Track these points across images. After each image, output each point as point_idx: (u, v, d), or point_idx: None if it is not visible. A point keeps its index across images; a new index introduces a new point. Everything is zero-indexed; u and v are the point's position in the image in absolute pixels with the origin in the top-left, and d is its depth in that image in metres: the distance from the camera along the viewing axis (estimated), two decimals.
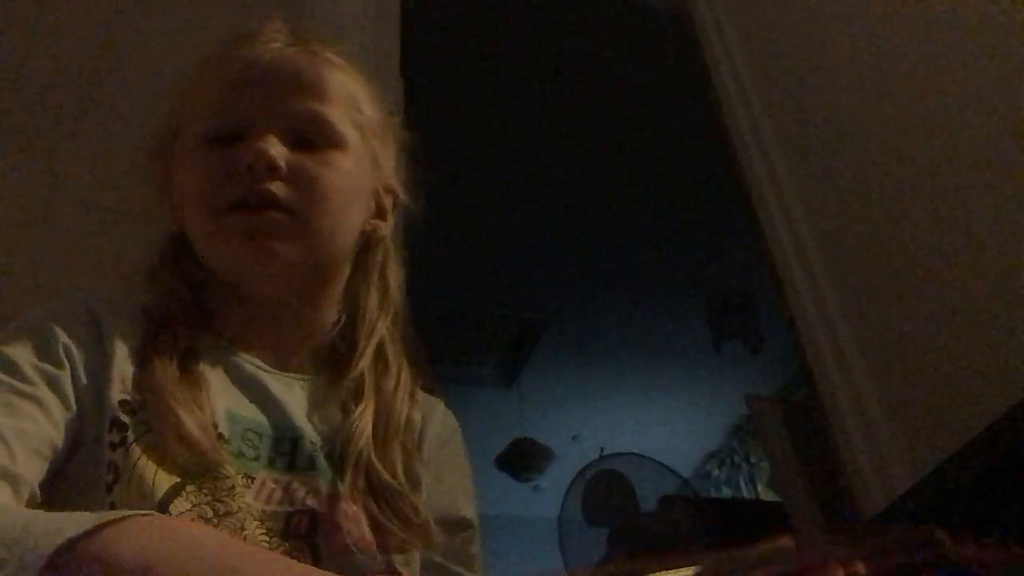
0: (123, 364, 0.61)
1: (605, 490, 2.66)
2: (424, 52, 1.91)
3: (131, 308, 0.67)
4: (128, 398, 0.59)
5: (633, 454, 2.77)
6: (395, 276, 0.78)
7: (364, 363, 0.70)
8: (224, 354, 0.67)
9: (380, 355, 0.73)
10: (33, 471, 0.52)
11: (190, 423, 0.57)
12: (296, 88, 0.70)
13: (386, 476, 0.64)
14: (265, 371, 0.68)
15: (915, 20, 1.53)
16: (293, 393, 0.68)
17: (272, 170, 0.66)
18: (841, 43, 1.73)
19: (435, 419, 0.76)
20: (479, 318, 4.09)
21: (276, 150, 0.66)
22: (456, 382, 4.30)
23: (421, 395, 0.76)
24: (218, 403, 0.63)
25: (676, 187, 3.34)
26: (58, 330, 0.60)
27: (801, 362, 1.67)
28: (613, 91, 3.03)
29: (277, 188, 0.66)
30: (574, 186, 3.41)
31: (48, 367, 0.57)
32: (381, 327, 0.74)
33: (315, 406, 0.68)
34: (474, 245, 3.62)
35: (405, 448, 0.68)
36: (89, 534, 0.39)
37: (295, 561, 0.46)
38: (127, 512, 0.41)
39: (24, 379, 0.55)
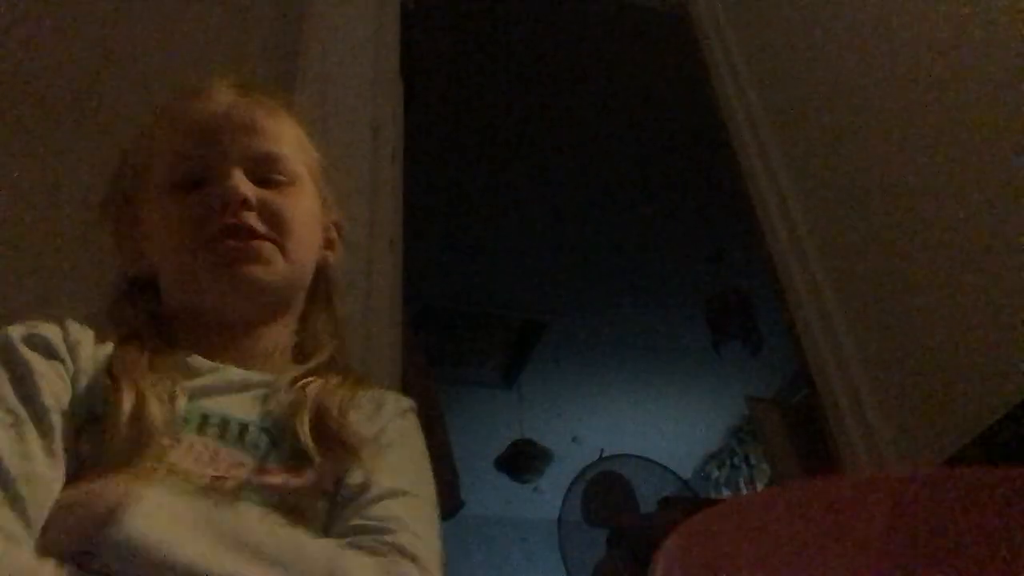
0: (88, 367, 0.65)
1: (605, 491, 2.66)
2: (424, 52, 1.91)
3: (97, 324, 0.71)
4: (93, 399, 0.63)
5: (633, 455, 2.77)
6: (340, 305, 0.85)
7: (312, 364, 0.75)
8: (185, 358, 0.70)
9: (330, 366, 0.77)
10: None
11: (154, 406, 0.61)
12: (252, 133, 0.77)
13: (336, 427, 0.67)
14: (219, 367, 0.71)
15: (914, 19, 1.53)
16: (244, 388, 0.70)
17: (245, 204, 0.72)
18: (841, 43, 1.73)
19: (388, 402, 0.79)
20: (479, 318, 4.08)
21: (245, 186, 0.73)
22: (456, 383, 4.30)
23: (370, 390, 0.79)
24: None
25: (676, 187, 3.34)
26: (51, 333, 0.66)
27: (801, 362, 1.67)
28: (613, 91, 3.03)
29: (253, 220, 0.72)
30: (574, 186, 3.41)
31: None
32: (330, 348, 0.79)
33: (263, 396, 0.70)
34: (474, 245, 3.62)
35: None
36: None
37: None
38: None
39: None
